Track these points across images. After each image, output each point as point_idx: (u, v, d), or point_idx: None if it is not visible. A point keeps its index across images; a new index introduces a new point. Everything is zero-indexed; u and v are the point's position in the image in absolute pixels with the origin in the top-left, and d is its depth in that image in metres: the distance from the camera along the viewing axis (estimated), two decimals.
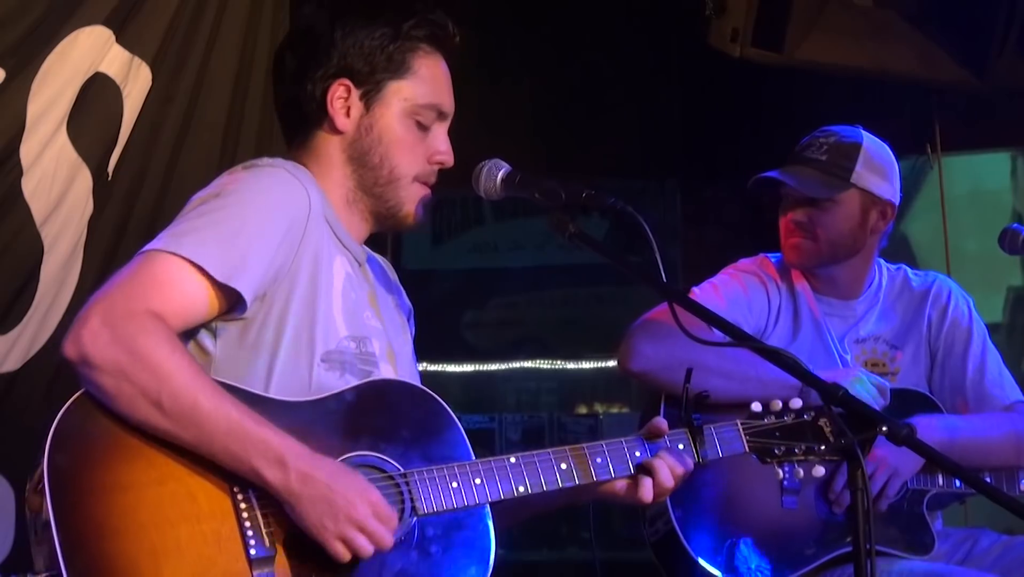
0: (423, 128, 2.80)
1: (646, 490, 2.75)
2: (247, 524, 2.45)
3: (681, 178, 6.20)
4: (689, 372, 2.79)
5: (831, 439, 2.78)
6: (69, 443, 2.40)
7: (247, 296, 2.56)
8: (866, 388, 3.51)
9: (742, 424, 2.84)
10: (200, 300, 2.54)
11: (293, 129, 2.84)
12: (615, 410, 9.16)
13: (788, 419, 2.84)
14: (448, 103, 2.83)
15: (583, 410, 9.33)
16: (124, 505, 2.40)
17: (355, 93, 2.76)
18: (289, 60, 2.84)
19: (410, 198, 2.80)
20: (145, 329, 2.43)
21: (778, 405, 2.85)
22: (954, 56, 4.80)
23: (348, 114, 2.77)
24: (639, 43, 5.64)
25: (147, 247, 2.55)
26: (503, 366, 9.24)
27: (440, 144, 2.82)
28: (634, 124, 5.73)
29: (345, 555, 2.46)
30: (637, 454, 2.76)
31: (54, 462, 2.37)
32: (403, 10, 2.81)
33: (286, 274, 2.63)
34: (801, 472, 2.82)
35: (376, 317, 2.82)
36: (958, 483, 3.65)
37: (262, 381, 2.61)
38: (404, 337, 2.94)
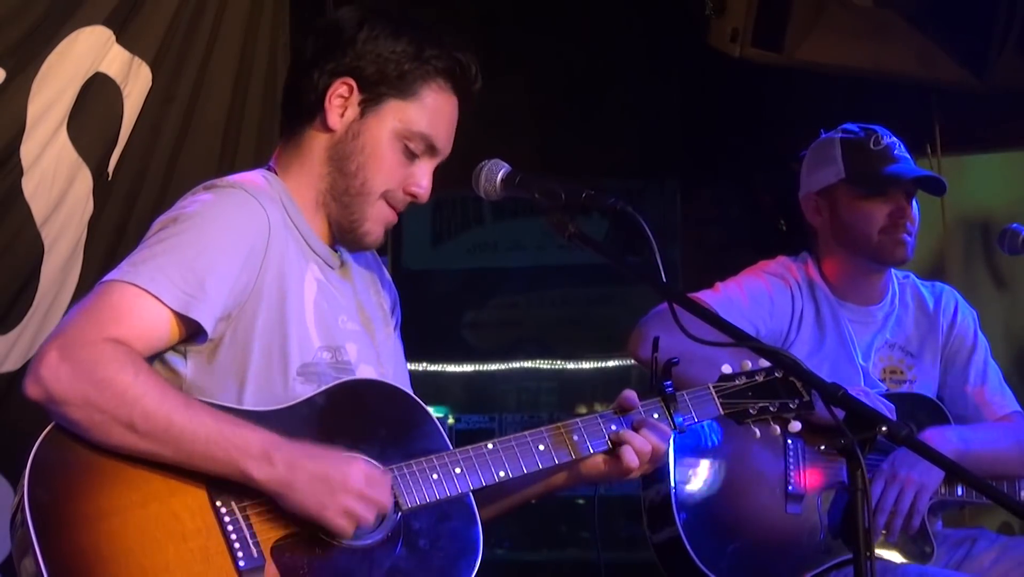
0: (409, 155, 2.75)
1: (628, 460, 2.73)
2: (233, 536, 2.45)
3: (681, 178, 6.20)
4: (656, 340, 2.78)
5: (804, 394, 2.81)
6: (47, 476, 2.40)
7: (206, 325, 2.54)
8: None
9: (714, 387, 2.85)
10: (160, 328, 2.53)
11: (289, 119, 2.81)
12: None
13: (760, 378, 2.86)
14: (443, 141, 2.78)
15: (583, 410, 9.32)
16: (109, 531, 2.39)
17: (355, 96, 2.73)
18: (307, 48, 2.81)
19: (374, 216, 2.76)
20: (104, 356, 2.42)
21: (748, 365, 2.87)
22: (954, 56, 4.80)
23: (343, 114, 2.74)
24: (639, 43, 5.64)
25: (106, 277, 2.53)
26: (503, 366, 9.24)
27: (421, 178, 2.77)
28: (634, 124, 5.73)
29: (349, 529, 2.47)
30: (613, 428, 2.76)
31: (34, 497, 2.37)
32: (433, 37, 2.76)
33: (249, 295, 2.61)
34: (777, 430, 2.82)
35: (354, 319, 2.80)
36: (960, 491, 3.65)
37: (235, 398, 2.60)
38: (387, 330, 2.91)
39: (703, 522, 3.48)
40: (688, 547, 3.43)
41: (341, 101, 2.74)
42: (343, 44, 2.74)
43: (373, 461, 2.56)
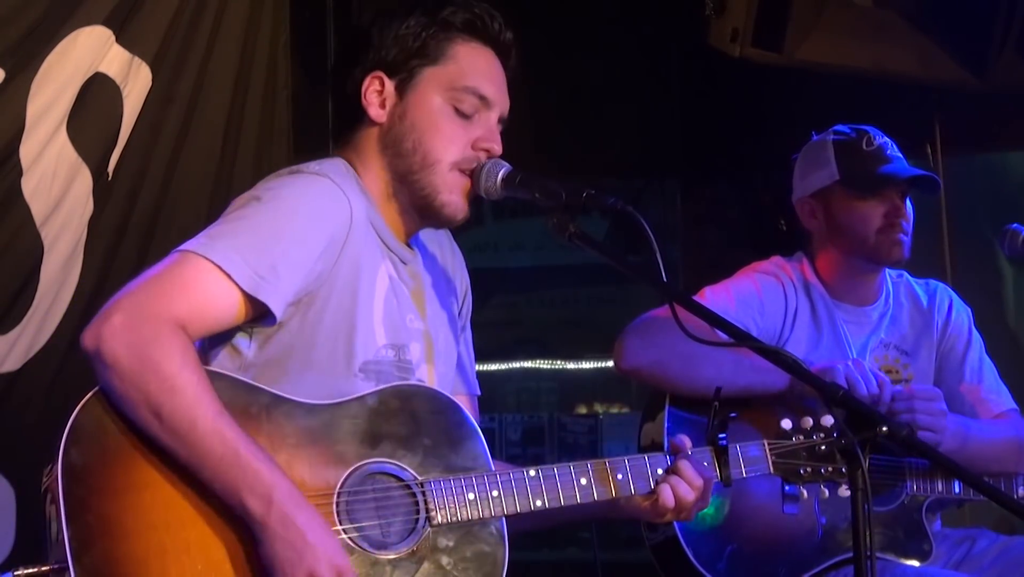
0: (463, 115, 2.75)
1: (664, 499, 2.70)
2: None
3: (681, 178, 6.19)
4: (718, 391, 2.76)
5: (862, 461, 2.64)
6: (84, 440, 2.40)
7: (275, 309, 2.53)
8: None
9: (769, 444, 2.82)
10: (227, 306, 2.52)
11: (343, 127, 2.83)
12: (615, 410, 9.17)
13: (818, 438, 2.80)
14: (491, 90, 2.77)
15: (583, 410, 9.34)
16: (136, 505, 2.40)
17: (389, 84, 2.75)
18: (336, 64, 2.87)
19: (446, 186, 2.74)
20: (160, 338, 2.42)
21: (809, 422, 2.81)
22: (954, 56, 4.80)
23: (383, 105, 2.75)
24: (639, 43, 5.63)
25: (182, 246, 2.53)
26: (503, 366, 9.26)
27: (481, 130, 2.75)
28: (634, 124, 5.72)
29: None
30: (660, 471, 2.73)
31: (68, 458, 2.37)
32: (443, 1, 2.78)
33: (322, 285, 2.61)
34: (827, 492, 2.79)
35: (420, 317, 2.79)
36: (958, 488, 3.65)
37: (293, 387, 2.58)
38: (449, 329, 2.89)
39: (700, 523, 3.48)
40: (685, 548, 3.43)
41: (377, 95, 2.76)
42: (362, 43, 2.78)
43: (410, 470, 2.54)
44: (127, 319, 2.42)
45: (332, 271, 2.61)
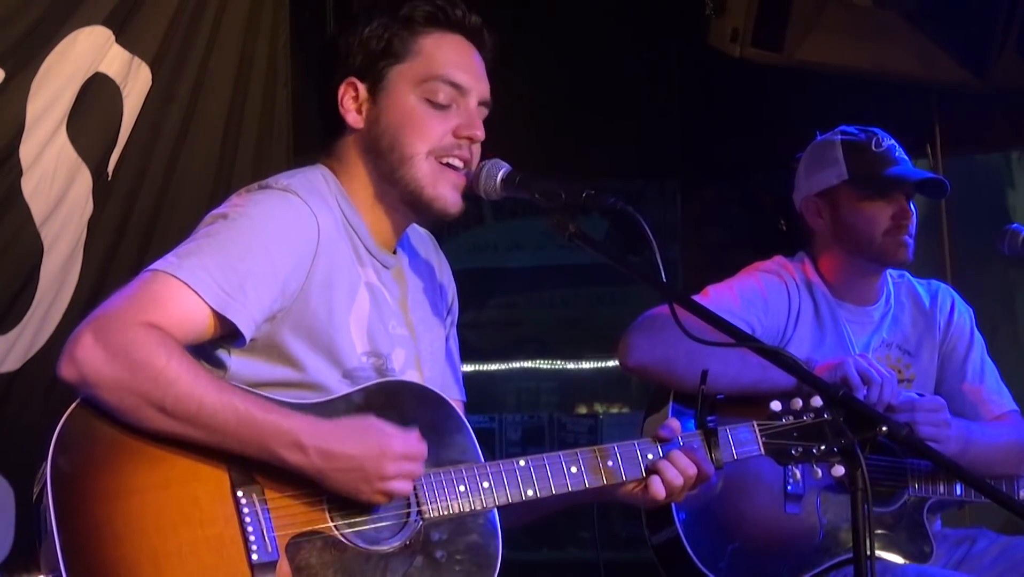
0: (439, 106, 2.74)
1: (655, 490, 2.72)
2: (249, 528, 2.44)
3: (681, 178, 6.20)
4: (704, 373, 2.76)
5: (852, 436, 2.68)
6: (72, 448, 2.40)
7: (241, 327, 2.53)
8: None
9: (759, 425, 2.80)
10: (197, 322, 2.52)
11: (327, 139, 2.83)
12: (615, 410, 9.16)
13: (808, 418, 2.79)
14: (462, 76, 2.75)
15: (583, 410, 9.33)
16: (126, 510, 2.40)
17: (362, 89, 2.75)
18: (313, 77, 2.86)
19: (428, 178, 2.73)
20: (138, 339, 2.42)
21: (798, 404, 2.80)
22: (954, 56, 4.80)
23: (359, 111, 2.75)
24: (639, 43, 5.64)
25: (150, 266, 2.54)
26: (503, 366, 9.24)
27: (460, 118, 2.74)
28: (634, 124, 5.72)
29: (387, 500, 2.51)
30: (650, 457, 2.73)
31: (57, 467, 2.38)
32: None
33: (295, 300, 2.61)
34: (819, 472, 2.78)
35: (404, 324, 2.79)
36: (959, 490, 3.66)
37: (278, 394, 2.59)
38: (436, 332, 2.90)
39: (702, 522, 3.48)
40: (687, 547, 3.43)
41: (352, 101, 2.76)
42: (333, 56, 2.78)
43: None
44: (98, 336, 2.42)
45: (304, 286, 2.61)
